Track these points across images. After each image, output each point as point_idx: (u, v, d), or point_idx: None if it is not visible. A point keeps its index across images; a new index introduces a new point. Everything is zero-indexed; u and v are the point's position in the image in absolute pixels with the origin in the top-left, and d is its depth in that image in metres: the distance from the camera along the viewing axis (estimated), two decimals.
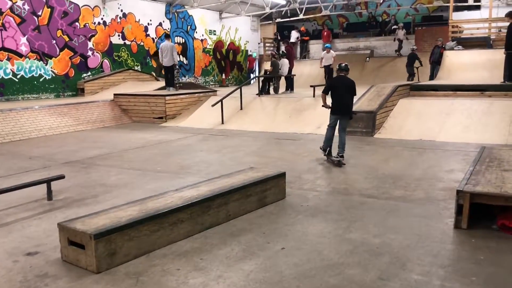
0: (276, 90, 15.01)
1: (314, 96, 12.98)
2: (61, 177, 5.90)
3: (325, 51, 16.99)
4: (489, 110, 10.42)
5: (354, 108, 10.89)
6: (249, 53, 25.78)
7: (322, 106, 7.86)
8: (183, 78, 20.93)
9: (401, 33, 20.76)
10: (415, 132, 10.16)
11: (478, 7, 20.72)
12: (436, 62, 16.71)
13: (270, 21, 25.61)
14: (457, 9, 19.29)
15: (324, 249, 4.03)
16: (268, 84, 14.98)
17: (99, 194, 6.01)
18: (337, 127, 7.65)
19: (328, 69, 16.68)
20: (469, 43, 17.86)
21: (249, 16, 24.71)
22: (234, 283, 3.45)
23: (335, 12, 24.38)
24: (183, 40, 21.23)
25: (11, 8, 14.06)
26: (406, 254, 3.90)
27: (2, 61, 14.00)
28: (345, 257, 3.87)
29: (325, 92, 7.75)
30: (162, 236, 4.13)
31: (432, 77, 16.73)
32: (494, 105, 10.62)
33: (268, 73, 15.21)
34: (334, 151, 7.63)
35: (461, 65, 16.37)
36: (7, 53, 14.11)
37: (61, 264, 3.84)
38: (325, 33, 23.37)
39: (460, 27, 18.49)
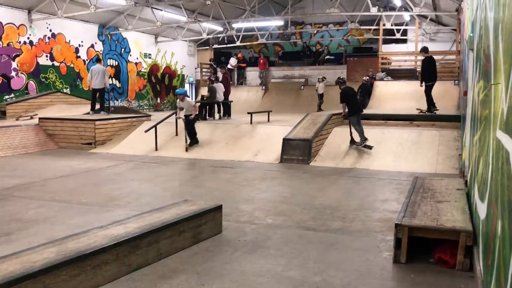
0: (213, 116, 14.81)
1: (251, 123, 12.90)
2: None
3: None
4: (419, 140, 10.83)
5: (290, 136, 11.07)
6: (185, 78, 25.50)
7: (343, 114, 10.91)
8: (115, 101, 20.19)
9: (321, 86, 18.03)
10: (350, 160, 10.30)
11: (405, 41, 21.98)
12: (366, 93, 17.32)
13: (207, 47, 25.56)
14: (386, 41, 20.27)
15: None
16: (205, 110, 14.74)
17: (13, 232, 5.39)
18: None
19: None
20: (397, 74, 18.76)
21: (186, 41, 24.53)
22: None
23: (271, 41, 24.85)
24: (116, 62, 20.56)
25: None
26: None
27: None
28: None
29: (345, 102, 10.49)
30: (83, 281, 3.69)
31: (363, 106, 17.30)
32: (423, 134, 11.07)
33: (205, 98, 14.98)
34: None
35: (390, 95, 17.10)
36: None
37: None
38: (262, 60, 23.66)
39: (389, 59, 19.41)
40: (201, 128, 13.32)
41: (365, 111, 15.25)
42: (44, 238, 4.90)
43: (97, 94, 13.98)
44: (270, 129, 12.62)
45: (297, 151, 10.44)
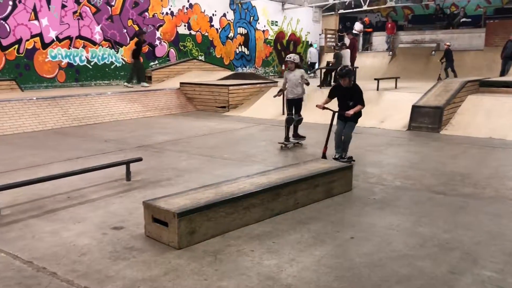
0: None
1: (378, 89, 12.82)
2: (139, 159, 6.31)
3: None
4: None
5: (420, 103, 10.80)
6: (309, 44, 25.69)
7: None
8: (244, 68, 21.28)
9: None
10: (484, 130, 9.83)
11: None
12: (508, 57, 15.95)
13: (333, 12, 25.34)
14: None
15: (393, 241, 4.11)
16: (330, 76, 14.94)
17: (172, 177, 6.36)
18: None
19: None
20: None
21: (312, 7, 24.58)
22: (306, 267, 3.62)
23: (400, 4, 23.72)
24: (246, 31, 21.50)
25: None
26: (477, 251, 3.90)
27: (78, 48, 14.89)
28: (415, 249, 3.93)
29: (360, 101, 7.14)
30: (236, 219, 4.36)
31: (503, 73, 16.01)
32: None
33: (330, 65, 15.16)
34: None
35: None
36: (82, 41, 14.98)
37: (145, 239, 4.17)
38: (389, 25, 22.85)
39: None
40: (325, 94, 13.57)
41: (506, 78, 14.15)
42: (197, 184, 5.73)
43: None
44: (397, 95, 12.43)
45: (427, 119, 10.24)
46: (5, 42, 13.14)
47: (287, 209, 4.84)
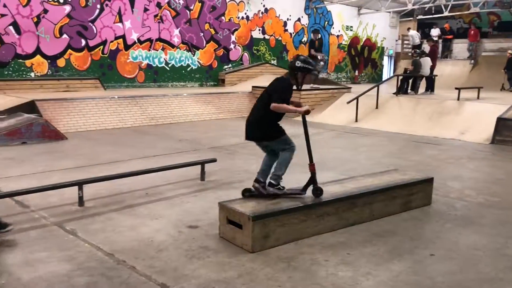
0: (416, 90, 14.40)
1: (458, 99, 12.18)
2: (214, 160, 6.42)
3: None
4: None
5: (506, 115, 10.11)
6: (385, 50, 25.00)
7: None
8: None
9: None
10: None
11: None
12: None
13: (411, 18, 24.46)
14: None
15: (479, 262, 3.84)
16: (407, 83, 14.41)
17: (244, 180, 6.39)
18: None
19: None
20: None
21: (389, 12, 23.91)
22: (383, 282, 3.47)
23: (486, 10, 22.44)
24: (320, 35, 21.30)
25: (168, 3, 15.50)
26: None
27: (157, 50, 15.52)
28: (504, 273, 3.64)
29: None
30: (309, 227, 4.29)
31: None
32: None
33: (408, 71, 14.64)
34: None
35: None
36: (162, 43, 15.60)
37: (219, 240, 4.22)
38: (472, 31, 21.68)
39: None
40: (401, 102, 13.14)
41: None
42: None
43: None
44: (480, 106, 11.72)
45: None
46: (91, 43, 13.98)
47: (362, 220, 4.69)
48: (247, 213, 3.94)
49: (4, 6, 12.15)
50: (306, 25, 20.51)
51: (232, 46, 17.75)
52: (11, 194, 5.02)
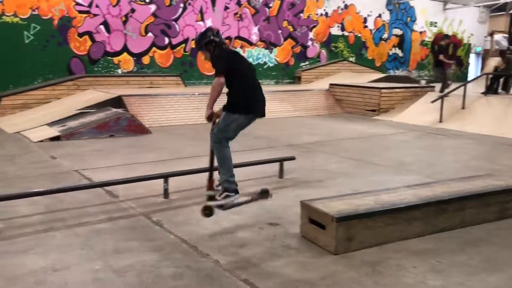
0: (508, 90, 13.40)
1: None
2: (292, 158, 6.37)
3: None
4: None
5: None
6: (472, 47, 23.52)
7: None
8: (396, 71, 20.37)
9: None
10: None
11: None
12: None
13: (503, 12, 22.81)
14: None
15: None
16: (498, 82, 13.44)
17: (323, 179, 6.29)
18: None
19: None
20: None
21: (478, 6, 22.45)
22: None
23: None
24: (401, 32, 20.52)
25: (248, 1, 15.67)
26: None
27: (236, 48, 15.74)
28: None
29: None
30: (396, 231, 4.10)
31: None
32: None
33: (499, 70, 13.64)
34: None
35: None
36: (241, 41, 15.81)
37: (300, 239, 4.16)
38: None
39: None
40: (491, 102, 12.27)
41: None
42: (348, 188, 5.59)
43: None
44: None
45: None
46: (174, 41, 14.48)
47: (452, 227, 4.41)
48: (331, 213, 3.84)
49: (96, 6, 12.92)
50: (387, 21, 19.80)
51: (309, 43, 17.58)
52: (102, 184, 5.31)
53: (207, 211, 4.27)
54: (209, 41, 4.10)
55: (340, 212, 3.88)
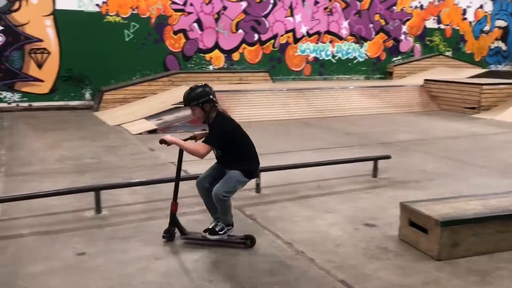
0: None
1: None
2: (387, 157, 6.11)
3: None
4: None
5: None
6: None
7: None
8: (498, 66, 18.85)
9: None
10: None
11: None
12: None
13: None
14: None
15: None
16: None
17: (421, 180, 5.96)
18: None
19: None
20: None
21: None
22: None
23: None
24: (506, 23, 18.92)
25: None
26: None
27: (325, 43, 15.52)
28: None
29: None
30: (508, 239, 3.76)
31: None
32: None
33: None
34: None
35: None
36: (330, 36, 15.54)
37: (398, 242, 3.96)
38: None
39: None
40: None
41: None
42: (450, 191, 5.23)
43: None
44: None
45: None
46: (263, 37, 14.59)
47: None
48: (435, 217, 3.61)
49: (191, 4, 13.38)
50: (490, 12, 18.36)
51: (402, 37, 16.82)
52: (198, 177, 5.46)
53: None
54: (207, 100, 3.74)
55: (445, 216, 3.63)
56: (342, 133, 9.45)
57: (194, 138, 4.04)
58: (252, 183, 5.29)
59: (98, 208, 4.60)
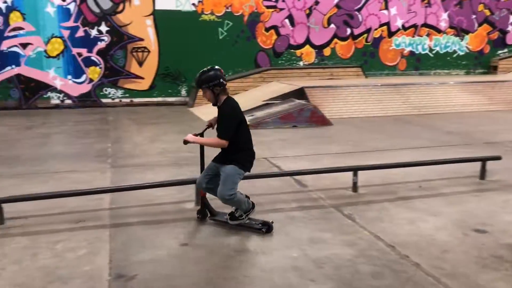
0: None
1: None
2: (498, 158, 5.63)
3: None
4: None
5: None
6: None
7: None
8: None
9: None
10: None
11: None
12: None
13: None
14: None
15: None
16: None
17: None
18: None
19: None
20: None
21: None
22: None
23: None
24: None
25: None
26: None
27: (421, 37, 14.74)
28: None
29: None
30: None
31: None
32: None
33: None
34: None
35: None
36: (427, 29, 14.72)
37: None
38: None
39: None
40: None
41: None
42: None
43: None
44: None
45: None
46: (356, 32, 14.20)
47: None
48: None
49: (283, 0, 13.39)
50: None
51: (510, 28, 15.47)
52: (293, 173, 5.44)
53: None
54: (218, 83, 3.90)
55: None
56: (442, 131, 8.90)
57: (210, 125, 4.32)
58: (346, 181, 5.16)
59: (198, 201, 4.72)
